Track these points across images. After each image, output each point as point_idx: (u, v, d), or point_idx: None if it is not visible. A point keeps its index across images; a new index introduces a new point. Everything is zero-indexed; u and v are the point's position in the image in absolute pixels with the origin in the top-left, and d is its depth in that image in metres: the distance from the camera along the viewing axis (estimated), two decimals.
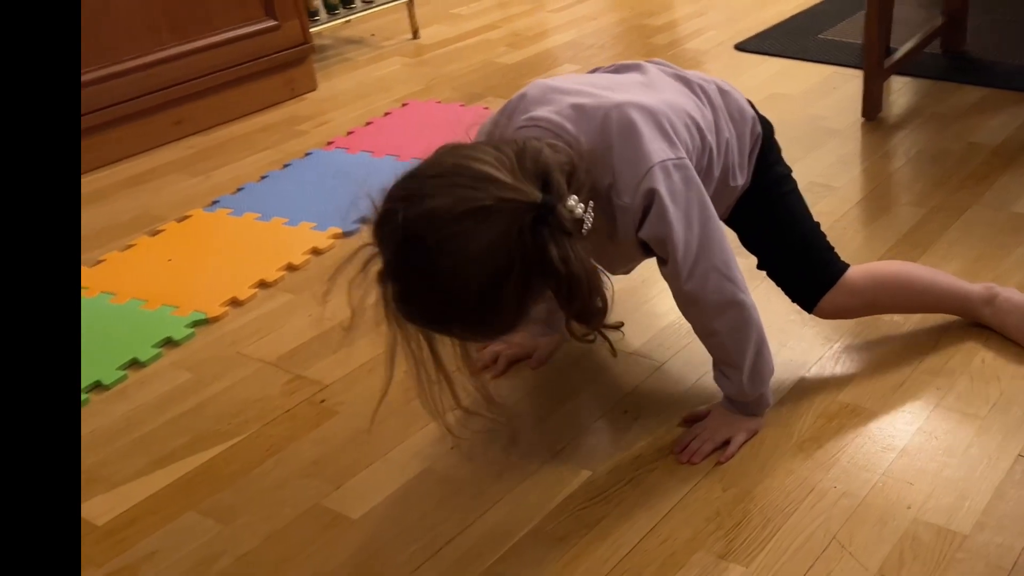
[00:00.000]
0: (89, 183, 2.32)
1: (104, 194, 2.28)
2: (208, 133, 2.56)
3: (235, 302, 1.82)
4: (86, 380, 1.62)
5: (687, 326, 1.37)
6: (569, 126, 1.24)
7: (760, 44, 2.79)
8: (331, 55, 3.04)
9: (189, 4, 2.47)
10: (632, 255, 1.37)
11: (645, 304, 1.68)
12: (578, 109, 1.26)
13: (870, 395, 1.44)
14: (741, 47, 2.79)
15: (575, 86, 1.31)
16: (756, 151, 1.42)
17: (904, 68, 2.40)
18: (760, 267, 1.47)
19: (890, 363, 1.50)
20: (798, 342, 1.56)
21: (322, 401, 1.55)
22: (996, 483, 1.27)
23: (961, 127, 2.20)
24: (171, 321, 1.77)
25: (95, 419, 1.55)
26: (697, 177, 1.26)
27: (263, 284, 1.87)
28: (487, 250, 1.06)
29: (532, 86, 1.32)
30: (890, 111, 2.32)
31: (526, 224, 1.07)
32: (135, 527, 1.35)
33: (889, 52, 2.35)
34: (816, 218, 1.47)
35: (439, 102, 2.61)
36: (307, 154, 2.37)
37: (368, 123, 2.52)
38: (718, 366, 1.36)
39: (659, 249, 1.28)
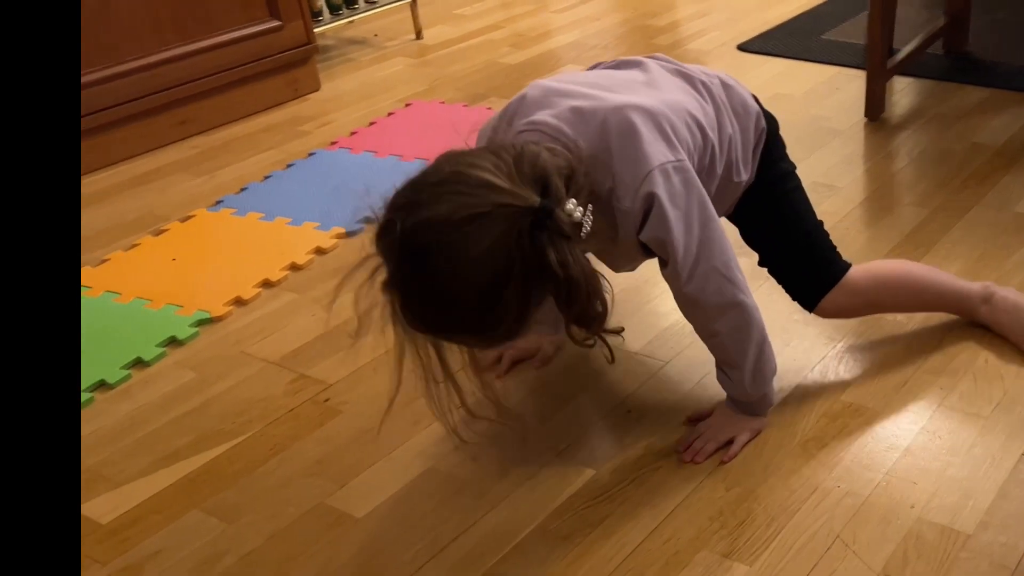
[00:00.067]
0: (93, 183, 2.33)
1: (108, 194, 2.28)
2: (212, 133, 2.56)
3: (239, 301, 1.82)
4: (90, 379, 1.63)
5: (690, 326, 1.37)
6: (568, 129, 1.24)
7: (763, 44, 2.78)
8: (334, 55, 3.04)
9: (192, 4, 2.48)
10: (634, 256, 1.37)
11: (648, 304, 1.69)
12: (577, 112, 1.26)
13: (873, 395, 1.44)
14: (744, 47, 2.78)
15: (575, 87, 1.31)
16: (760, 146, 1.41)
17: (907, 69, 2.41)
18: (761, 264, 1.46)
19: (893, 363, 1.50)
20: (801, 342, 1.56)
21: (326, 400, 1.55)
22: (1000, 482, 1.27)
23: (964, 127, 2.20)
24: (175, 320, 1.77)
25: (99, 418, 1.56)
26: (697, 179, 1.26)
27: (267, 284, 1.87)
28: (486, 255, 1.06)
29: (532, 87, 1.32)
30: (893, 111, 2.32)
31: (524, 228, 1.07)
32: (139, 526, 1.35)
33: (892, 52, 2.35)
34: (819, 218, 1.47)
35: (442, 102, 2.61)
36: (310, 154, 2.37)
37: (371, 123, 2.52)
38: (720, 366, 1.37)
39: (660, 251, 1.28)
